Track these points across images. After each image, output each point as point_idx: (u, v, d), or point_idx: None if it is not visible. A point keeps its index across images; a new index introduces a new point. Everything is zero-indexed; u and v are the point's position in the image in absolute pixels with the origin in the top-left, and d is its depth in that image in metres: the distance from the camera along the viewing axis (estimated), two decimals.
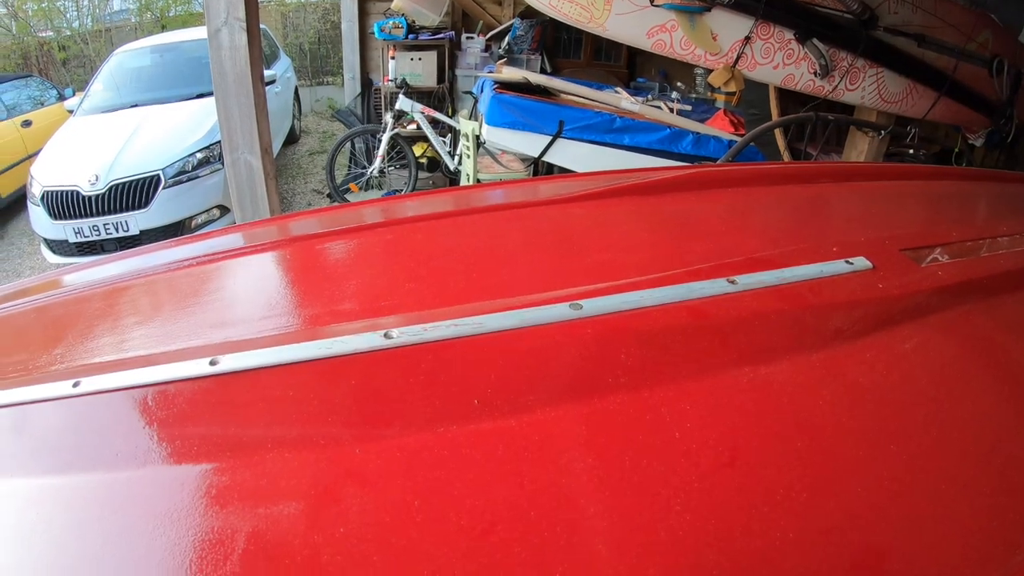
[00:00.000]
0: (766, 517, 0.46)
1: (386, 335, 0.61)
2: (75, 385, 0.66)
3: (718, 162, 3.59)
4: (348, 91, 8.05)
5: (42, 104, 8.83)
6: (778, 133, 5.02)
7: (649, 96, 5.39)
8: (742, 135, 4.13)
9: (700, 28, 4.22)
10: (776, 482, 0.49)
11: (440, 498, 0.49)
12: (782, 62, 4.24)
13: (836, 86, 4.24)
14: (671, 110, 4.91)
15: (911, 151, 4.34)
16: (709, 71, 4.51)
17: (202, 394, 0.61)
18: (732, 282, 0.67)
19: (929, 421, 0.56)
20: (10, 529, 0.57)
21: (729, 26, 4.18)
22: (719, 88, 4.52)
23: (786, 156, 4.90)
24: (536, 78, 4.75)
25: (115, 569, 0.49)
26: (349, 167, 6.81)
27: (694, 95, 6.35)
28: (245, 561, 0.47)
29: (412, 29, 6.85)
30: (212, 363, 0.62)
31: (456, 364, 0.59)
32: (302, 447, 0.55)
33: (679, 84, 6.76)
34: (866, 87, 4.30)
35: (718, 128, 4.51)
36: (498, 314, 0.62)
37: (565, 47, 7.35)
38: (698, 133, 4.17)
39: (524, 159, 4.82)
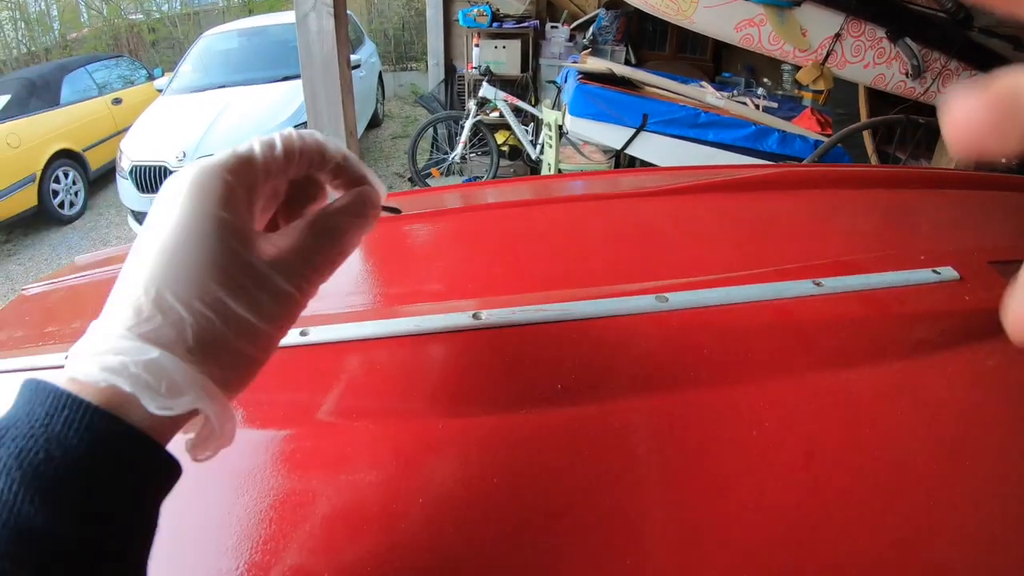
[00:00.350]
0: (836, 524, 0.46)
1: (474, 316, 0.62)
2: None
3: (804, 162, 3.52)
4: (432, 77, 8.13)
5: (132, 83, 9.22)
6: (867, 135, 4.89)
7: (735, 91, 5.29)
8: (829, 135, 4.03)
9: (789, 23, 4.15)
10: (849, 490, 0.48)
11: (517, 478, 0.50)
12: (873, 61, 4.14)
13: (928, 88, 4.12)
14: (757, 107, 4.81)
15: (1002, 160, 4.17)
16: (797, 68, 4.43)
17: (292, 363, 0.63)
18: (818, 284, 0.66)
19: (1008, 441, 0.55)
20: None
21: (819, 22, 4.10)
22: (807, 86, 4.44)
23: (874, 159, 4.78)
24: (621, 69, 4.72)
25: (190, 526, 0.52)
26: (431, 152, 6.89)
27: (780, 92, 6.21)
28: (324, 524, 0.49)
29: (497, 17, 6.88)
30: (302, 334, 0.64)
31: (542, 348, 0.60)
32: (386, 419, 0.57)
33: (765, 80, 6.62)
34: None
35: (805, 127, 4.40)
36: (586, 302, 0.63)
37: (650, 39, 7.26)
38: (784, 131, 4.07)
39: (606, 151, 4.79)
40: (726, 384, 0.57)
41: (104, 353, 0.36)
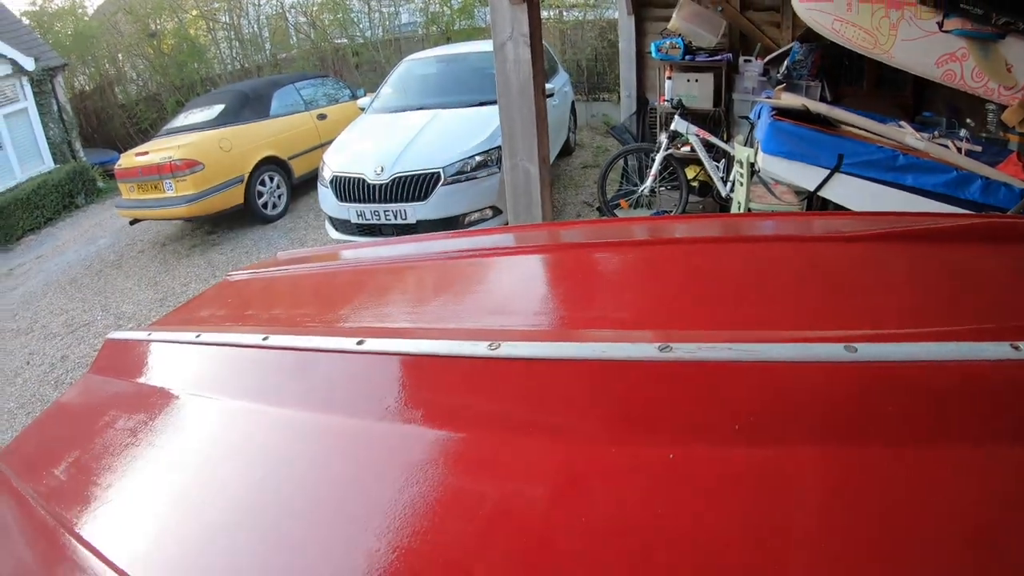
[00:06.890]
0: None
1: (661, 348, 0.63)
2: (359, 343, 0.77)
3: (1009, 213, 3.27)
4: (624, 108, 8.17)
5: (336, 101, 9.95)
6: None
7: (936, 132, 4.97)
8: None
9: (994, 58, 3.86)
10: None
11: (682, 513, 0.51)
12: None
13: None
14: (959, 150, 4.50)
15: None
16: (1002, 107, 4.12)
17: (479, 372, 0.68)
18: (1016, 348, 0.61)
19: None
20: (281, 449, 0.69)
21: None
22: (1013, 128, 4.12)
23: None
24: (816, 106, 4.54)
25: (365, 505, 0.58)
26: (620, 183, 6.92)
27: (984, 135, 5.77)
28: (482, 523, 0.53)
29: (689, 50, 6.81)
30: (492, 347, 0.69)
31: (724, 387, 0.61)
32: (558, 437, 0.60)
33: (968, 121, 6.15)
34: None
35: (1010, 173, 4.07)
36: (772, 344, 0.63)
37: (846, 73, 6.96)
38: (988, 178, 3.76)
39: (798, 191, 4.62)
40: (908, 446, 0.54)
41: None
